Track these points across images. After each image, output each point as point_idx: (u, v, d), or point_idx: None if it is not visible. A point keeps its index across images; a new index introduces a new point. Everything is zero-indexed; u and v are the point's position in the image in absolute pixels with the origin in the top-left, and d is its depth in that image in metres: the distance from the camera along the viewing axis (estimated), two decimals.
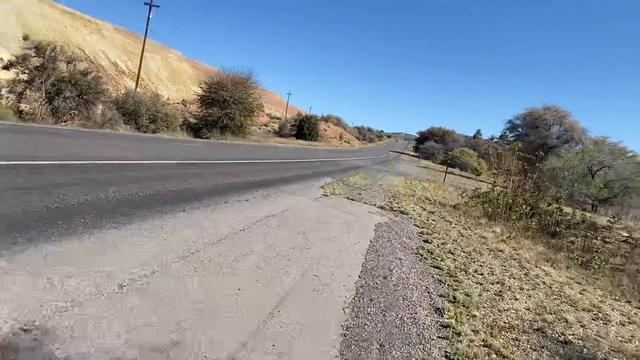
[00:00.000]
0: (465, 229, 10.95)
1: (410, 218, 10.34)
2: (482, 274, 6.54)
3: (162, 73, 60.79)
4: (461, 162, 71.72)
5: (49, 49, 18.98)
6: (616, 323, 5.78)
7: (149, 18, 36.17)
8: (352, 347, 3.12)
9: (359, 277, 4.83)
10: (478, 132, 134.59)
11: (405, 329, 3.66)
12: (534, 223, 14.46)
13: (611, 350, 4.45)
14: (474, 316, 4.40)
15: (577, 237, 19.21)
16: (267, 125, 71.93)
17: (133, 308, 2.90)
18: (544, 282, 7.29)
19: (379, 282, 4.82)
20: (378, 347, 3.21)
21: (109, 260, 3.55)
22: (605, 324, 5.62)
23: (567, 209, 20.14)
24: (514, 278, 6.96)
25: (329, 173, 18.23)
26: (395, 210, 11.01)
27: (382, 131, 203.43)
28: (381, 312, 3.92)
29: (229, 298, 3.43)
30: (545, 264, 9.37)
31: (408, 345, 3.35)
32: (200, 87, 38.04)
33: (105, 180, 6.60)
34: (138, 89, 37.25)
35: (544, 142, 59.12)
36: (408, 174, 32.76)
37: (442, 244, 8.15)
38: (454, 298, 4.76)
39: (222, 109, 35.59)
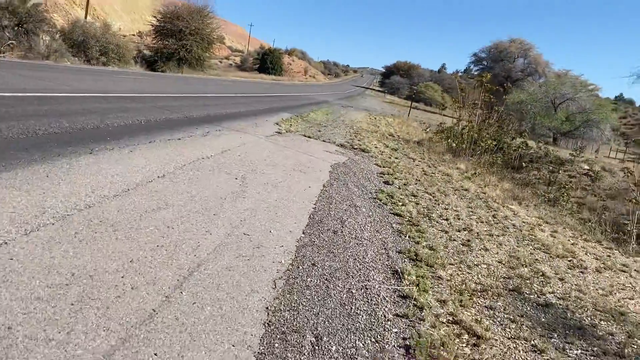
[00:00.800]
0: (429, 167, 10.26)
1: (372, 156, 9.48)
2: (447, 219, 5.81)
3: (116, 3, 56.28)
4: (426, 97, 71.40)
5: None
6: (592, 270, 5.22)
7: None
8: (276, 345, 2.25)
9: (303, 234, 3.94)
10: (443, 66, 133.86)
11: (354, 307, 2.82)
12: (499, 158, 13.94)
13: (595, 309, 3.82)
14: (440, 278, 3.63)
15: (540, 170, 19.05)
16: (228, 59, 69.10)
17: None
18: (513, 225, 6.68)
19: (326, 238, 3.94)
20: (313, 340, 2.35)
21: None
22: (582, 272, 5.04)
23: (531, 143, 19.91)
24: (482, 222, 6.29)
25: (287, 108, 17.03)
26: (356, 149, 10.13)
27: (348, 66, 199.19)
28: (324, 283, 3.06)
29: (110, 277, 2.48)
30: (513, 203, 8.83)
31: (354, 332, 2.52)
32: (154, 17, 35.66)
33: None
34: (89, 18, 34.22)
35: (507, 74, 58.98)
36: (372, 110, 31.78)
37: (404, 184, 7.37)
38: (416, 255, 3.97)
39: (178, 40, 33.80)
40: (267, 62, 63.06)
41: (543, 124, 41.46)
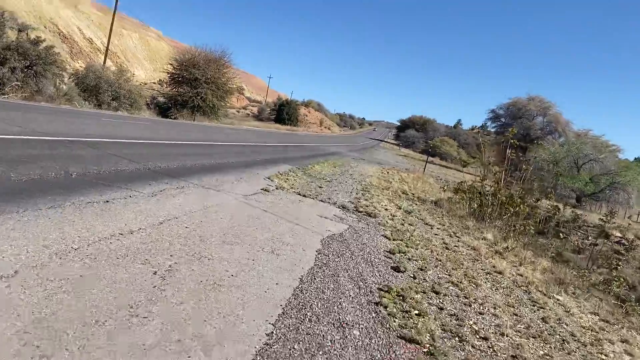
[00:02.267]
0: (451, 237, 8.34)
1: (380, 224, 7.57)
2: (486, 338, 3.82)
3: (139, 52, 57.74)
4: (442, 151, 70.42)
5: None
6: None
7: None
8: None
9: None
10: (459, 122, 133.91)
11: None
12: (531, 226, 11.90)
13: None
14: None
15: (568, 237, 16.89)
16: (245, 109, 70.26)
17: None
18: (572, 335, 4.72)
19: None
20: None
21: None
22: None
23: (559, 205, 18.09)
24: (532, 336, 4.29)
25: (290, 159, 15.35)
26: (361, 212, 8.22)
27: (363, 119, 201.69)
28: None
29: None
30: (559, 291, 6.85)
31: None
32: (170, 64, 35.66)
33: None
34: (112, 66, 34.10)
35: (526, 132, 57.51)
36: (385, 163, 30.11)
37: (421, 269, 5.42)
38: None
39: (193, 88, 33.42)
40: (284, 112, 63.38)
41: (566, 185, 39.54)
